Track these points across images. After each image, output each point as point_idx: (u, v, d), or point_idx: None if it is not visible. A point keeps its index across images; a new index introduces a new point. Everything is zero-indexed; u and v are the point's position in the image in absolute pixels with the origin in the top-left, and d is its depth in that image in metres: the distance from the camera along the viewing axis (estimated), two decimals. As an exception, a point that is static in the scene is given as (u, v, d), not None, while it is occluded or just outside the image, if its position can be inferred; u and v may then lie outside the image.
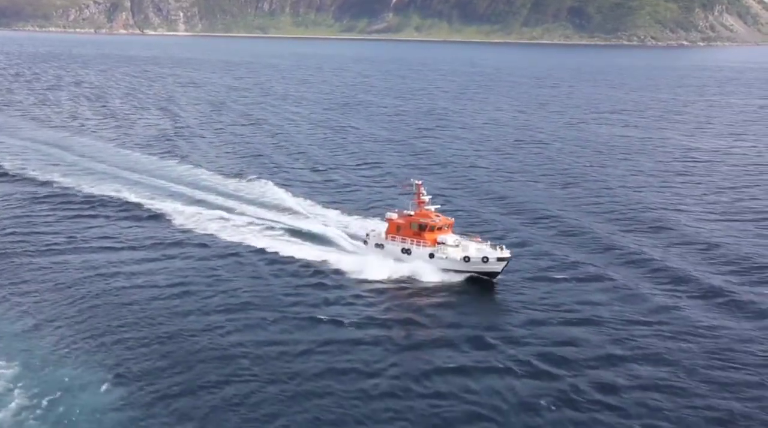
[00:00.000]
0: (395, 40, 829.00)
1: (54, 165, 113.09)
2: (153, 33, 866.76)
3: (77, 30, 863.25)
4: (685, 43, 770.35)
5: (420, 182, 74.11)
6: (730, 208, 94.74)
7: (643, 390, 47.94)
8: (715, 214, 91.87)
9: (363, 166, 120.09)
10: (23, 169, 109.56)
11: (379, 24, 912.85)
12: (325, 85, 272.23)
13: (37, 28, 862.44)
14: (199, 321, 57.36)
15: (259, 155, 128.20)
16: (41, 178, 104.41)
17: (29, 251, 74.39)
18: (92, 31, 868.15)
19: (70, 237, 78.87)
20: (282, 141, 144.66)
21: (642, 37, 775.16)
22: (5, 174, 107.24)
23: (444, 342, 54.47)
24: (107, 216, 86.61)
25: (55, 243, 76.68)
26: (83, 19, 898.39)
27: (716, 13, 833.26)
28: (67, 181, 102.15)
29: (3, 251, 74.20)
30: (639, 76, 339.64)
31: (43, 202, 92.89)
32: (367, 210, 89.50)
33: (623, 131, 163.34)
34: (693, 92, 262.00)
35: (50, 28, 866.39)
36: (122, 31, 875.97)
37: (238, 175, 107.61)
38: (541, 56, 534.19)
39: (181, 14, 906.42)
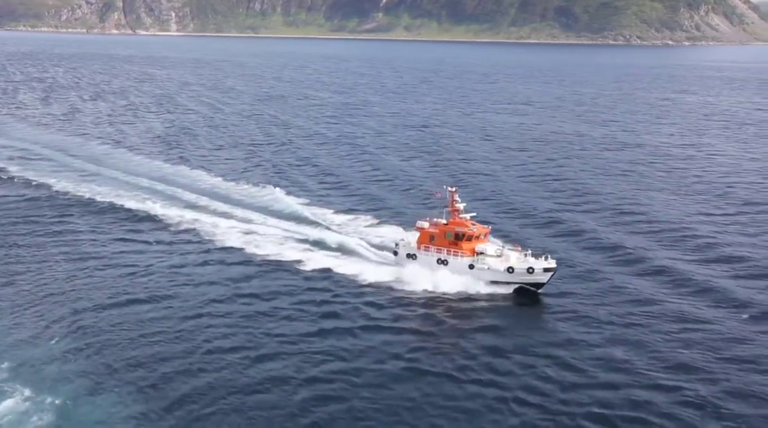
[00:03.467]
0: (385, 39, 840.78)
1: None
2: (145, 33, 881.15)
3: (69, 30, 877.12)
4: (670, 42, 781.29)
5: (454, 189, 69.93)
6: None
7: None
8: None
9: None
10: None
11: (369, 24, 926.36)
12: (275, 81, 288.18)
13: (29, 28, 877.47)
14: (223, 332, 55.01)
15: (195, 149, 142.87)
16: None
17: (33, 255, 72.73)
18: (84, 31, 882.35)
19: (64, 238, 77.96)
20: (211, 132, 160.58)
21: (628, 37, 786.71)
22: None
23: (486, 362, 50.99)
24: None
25: (51, 247, 75.17)
26: (75, 19, 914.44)
27: (702, 13, 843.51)
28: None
29: (6, 255, 72.72)
30: (587, 73, 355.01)
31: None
32: (376, 216, 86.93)
33: (514, 119, 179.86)
34: (618, 87, 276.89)
35: (42, 28, 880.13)
36: (114, 31, 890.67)
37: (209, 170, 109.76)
38: (519, 55, 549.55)
39: (173, 14, 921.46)
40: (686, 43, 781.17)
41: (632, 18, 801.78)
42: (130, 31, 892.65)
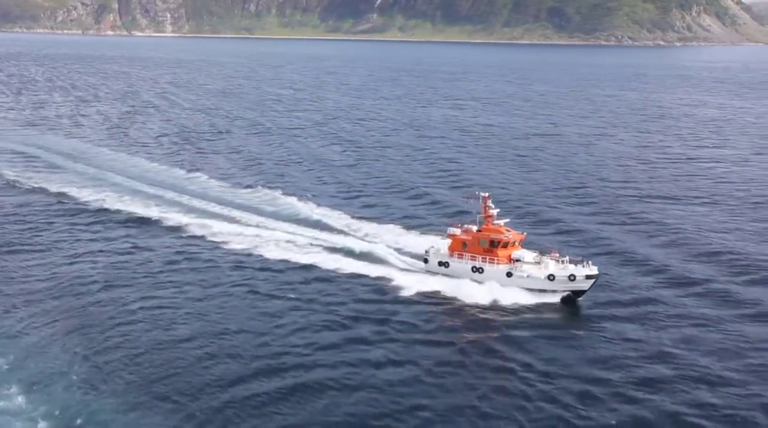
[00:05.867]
0: (379, 40, 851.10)
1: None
2: (140, 34, 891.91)
3: (65, 31, 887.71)
4: (661, 43, 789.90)
5: (487, 194, 67.12)
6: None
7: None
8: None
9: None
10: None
11: (364, 24, 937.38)
12: (244, 79, 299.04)
13: (25, 30, 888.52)
14: (253, 342, 52.93)
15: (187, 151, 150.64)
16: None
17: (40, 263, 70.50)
18: (80, 32, 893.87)
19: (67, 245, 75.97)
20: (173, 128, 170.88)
21: (619, 37, 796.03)
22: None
23: (529, 377, 48.38)
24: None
25: (55, 253, 72.89)
26: (71, 21, 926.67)
27: (694, 14, 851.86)
28: None
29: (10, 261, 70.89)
30: (556, 72, 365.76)
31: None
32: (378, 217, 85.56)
33: (454, 112, 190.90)
34: (573, 85, 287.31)
35: (38, 30, 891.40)
36: (110, 32, 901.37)
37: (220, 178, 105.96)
38: (503, 55, 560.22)
39: (168, 15, 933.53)
40: (677, 44, 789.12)
41: (624, 19, 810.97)
42: (125, 33, 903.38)
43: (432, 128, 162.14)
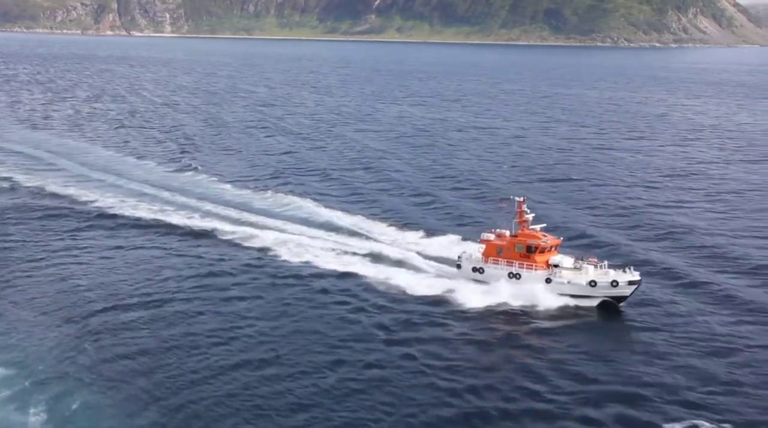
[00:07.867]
0: (377, 41, 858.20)
1: None
2: (139, 34, 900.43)
3: (64, 31, 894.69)
4: (657, 44, 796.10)
5: (521, 199, 65.36)
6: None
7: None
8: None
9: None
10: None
11: (361, 25, 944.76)
12: (227, 78, 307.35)
13: (25, 29, 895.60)
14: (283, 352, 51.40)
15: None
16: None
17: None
18: (79, 32, 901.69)
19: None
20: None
21: (615, 39, 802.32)
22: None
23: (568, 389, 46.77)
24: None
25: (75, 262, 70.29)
26: (70, 21, 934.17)
27: (690, 16, 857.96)
28: None
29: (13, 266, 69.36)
30: (533, 72, 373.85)
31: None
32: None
33: (412, 109, 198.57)
34: (539, 84, 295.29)
35: (37, 30, 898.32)
36: (109, 32, 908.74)
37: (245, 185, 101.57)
38: (492, 56, 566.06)
39: (168, 16, 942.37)
40: (673, 45, 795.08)
41: (620, 20, 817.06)
42: (124, 33, 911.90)
43: (386, 124, 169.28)
